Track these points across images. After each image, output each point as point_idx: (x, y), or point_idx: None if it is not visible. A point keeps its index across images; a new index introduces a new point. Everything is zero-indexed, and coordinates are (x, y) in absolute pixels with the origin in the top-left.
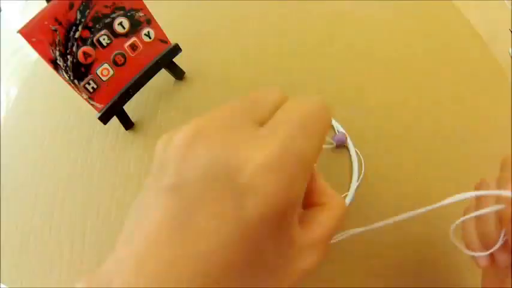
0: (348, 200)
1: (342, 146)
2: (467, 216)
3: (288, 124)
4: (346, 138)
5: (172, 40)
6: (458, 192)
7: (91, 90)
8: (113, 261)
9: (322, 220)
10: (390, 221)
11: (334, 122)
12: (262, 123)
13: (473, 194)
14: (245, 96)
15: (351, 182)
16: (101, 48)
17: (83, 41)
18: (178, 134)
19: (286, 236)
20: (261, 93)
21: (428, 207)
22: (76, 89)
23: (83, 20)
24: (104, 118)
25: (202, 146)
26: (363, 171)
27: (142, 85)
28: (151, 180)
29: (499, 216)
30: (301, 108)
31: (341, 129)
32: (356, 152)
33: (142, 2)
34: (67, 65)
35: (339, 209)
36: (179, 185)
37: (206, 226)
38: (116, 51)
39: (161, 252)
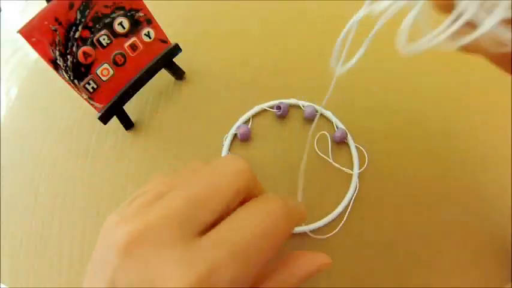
0: (347, 198)
1: (342, 142)
2: None
3: (224, 250)
4: (347, 134)
5: (172, 40)
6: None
7: (91, 90)
8: None
9: None
10: None
11: (334, 119)
12: (204, 229)
13: None
14: (195, 185)
15: (351, 179)
16: (101, 48)
17: (83, 41)
18: (119, 233)
19: None
20: (214, 183)
21: None
22: (76, 89)
23: (83, 20)
24: (104, 118)
25: (136, 260)
26: (366, 162)
27: (142, 85)
28: (93, 270)
29: None
30: (249, 229)
31: (340, 126)
32: (356, 148)
33: (142, 2)
34: (67, 65)
35: None
36: (114, 285)
37: None
38: (116, 51)
39: None
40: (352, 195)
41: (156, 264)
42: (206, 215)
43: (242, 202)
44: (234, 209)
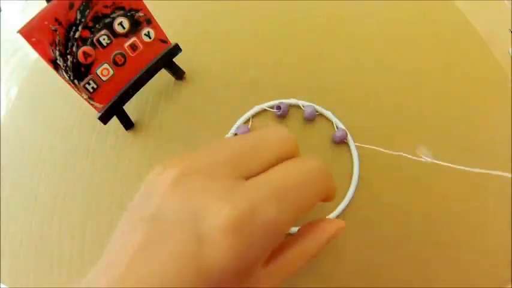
0: (347, 198)
1: (342, 142)
2: None
3: (268, 190)
4: (347, 134)
5: (172, 40)
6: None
7: (91, 90)
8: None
9: (287, 259)
10: None
11: (334, 119)
12: (249, 176)
13: None
14: (245, 139)
15: (351, 179)
16: (101, 48)
17: (83, 41)
18: (168, 172)
19: (245, 277)
20: (261, 141)
21: None
22: (76, 89)
23: (83, 20)
24: (104, 118)
25: (183, 191)
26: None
27: (142, 85)
28: (135, 208)
29: None
30: (292, 177)
31: (340, 125)
32: (357, 148)
33: (142, 2)
34: (67, 65)
35: (309, 250)
36: (157, 218)
37: (168, 263)
38: (116, 51)
39: (131, 278)
40: (352, 195)
41: (203, 195)
42: (253, 163)
43: None
44: None
